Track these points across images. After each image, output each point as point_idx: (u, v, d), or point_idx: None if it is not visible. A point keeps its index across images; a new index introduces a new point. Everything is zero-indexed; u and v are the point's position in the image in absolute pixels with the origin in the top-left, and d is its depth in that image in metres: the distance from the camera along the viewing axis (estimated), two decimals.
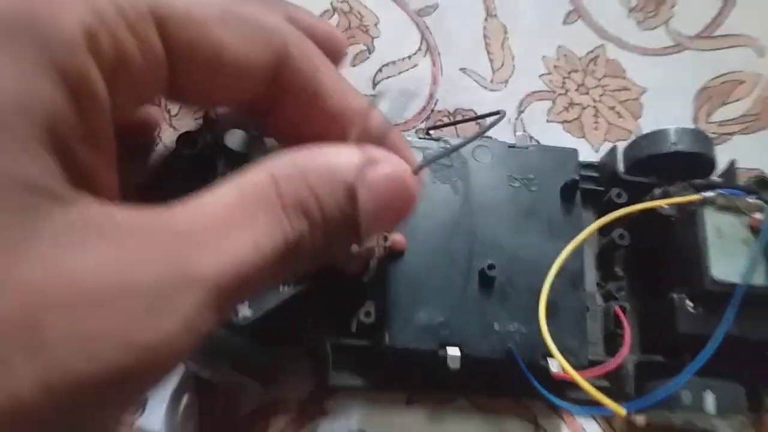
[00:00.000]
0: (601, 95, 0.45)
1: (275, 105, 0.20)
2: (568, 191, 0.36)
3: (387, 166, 0.17)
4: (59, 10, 0.13)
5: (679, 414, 0.33)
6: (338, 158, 0.16)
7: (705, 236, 0.34)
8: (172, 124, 0.41)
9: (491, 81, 0.45)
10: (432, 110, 0.43)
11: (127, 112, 0.18)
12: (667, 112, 0.44)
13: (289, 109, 0.20)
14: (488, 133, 0.40)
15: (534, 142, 0.42)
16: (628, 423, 0.36)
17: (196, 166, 0.34)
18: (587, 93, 0.45)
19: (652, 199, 0.36)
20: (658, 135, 0.39)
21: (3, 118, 0.12)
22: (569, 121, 0.44)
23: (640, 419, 0.31)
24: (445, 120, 0.43)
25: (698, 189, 0.36)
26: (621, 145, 0.40)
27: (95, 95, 0.14)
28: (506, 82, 0.45)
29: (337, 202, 0.16)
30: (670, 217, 0.36)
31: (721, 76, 0.46)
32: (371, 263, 0.37)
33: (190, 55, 0.16)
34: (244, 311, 0.34)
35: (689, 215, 0.35)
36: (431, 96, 0.44)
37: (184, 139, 0.35)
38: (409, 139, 0.37)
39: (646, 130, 0.41)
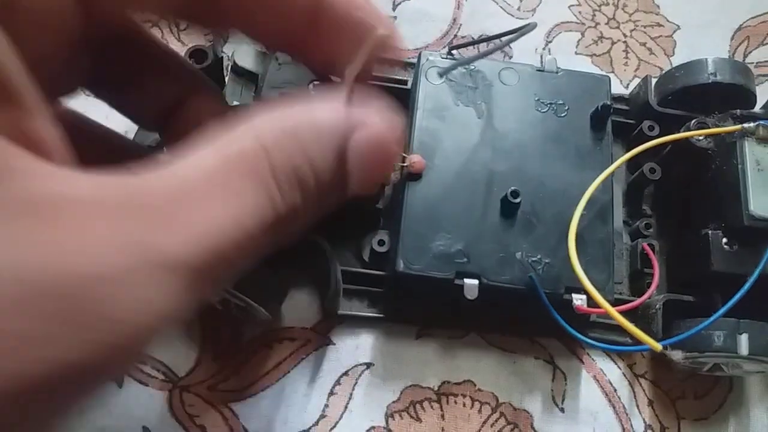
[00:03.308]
0: (632, 30, 0.43)
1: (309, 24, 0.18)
2: (599, 118, 0.34)
3: (372, 125, 0.16)
4: None
5: (709, 357, 0.31)
6: (328, 118, 0.15)
7: (744, 169, 0.32)
8: (180, 38, 0.38)
9: (518, 9, 0.42)
10: (455, 36, 0.40)
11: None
12: (701, 50, 0.42)
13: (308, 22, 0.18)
14: (515, 60, 0.38)
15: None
16: (652, 364, 0.34)
17: None
18: (618, 27, 0.43)
19: (688, 130, 0.34)
20: (694, 65, 0.36)
21: None
22: (598, 55, 0.41)
23: (677, 355, 0.29)
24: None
25: (737, 120, 0.33)
26: (653, 78, 0.38)
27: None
28: (534, 10, 0.42)
29: (329, 168, 0.15)
30: (706, 150, 0.34)
31: (760, 15, 0.44)
32: (386, 189, 0.35)
33: None
34: None
35: (727, 147, 0.33)
36: (454, 21, 0.41)
37: (194, 54, 0.33)
38: (431, 58, 0.35)
39: None
